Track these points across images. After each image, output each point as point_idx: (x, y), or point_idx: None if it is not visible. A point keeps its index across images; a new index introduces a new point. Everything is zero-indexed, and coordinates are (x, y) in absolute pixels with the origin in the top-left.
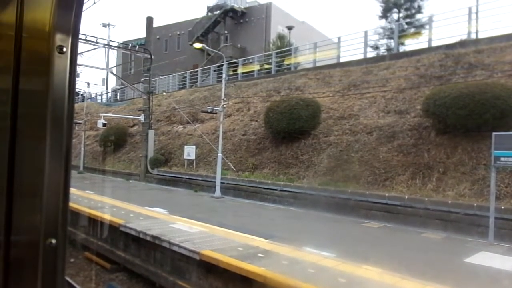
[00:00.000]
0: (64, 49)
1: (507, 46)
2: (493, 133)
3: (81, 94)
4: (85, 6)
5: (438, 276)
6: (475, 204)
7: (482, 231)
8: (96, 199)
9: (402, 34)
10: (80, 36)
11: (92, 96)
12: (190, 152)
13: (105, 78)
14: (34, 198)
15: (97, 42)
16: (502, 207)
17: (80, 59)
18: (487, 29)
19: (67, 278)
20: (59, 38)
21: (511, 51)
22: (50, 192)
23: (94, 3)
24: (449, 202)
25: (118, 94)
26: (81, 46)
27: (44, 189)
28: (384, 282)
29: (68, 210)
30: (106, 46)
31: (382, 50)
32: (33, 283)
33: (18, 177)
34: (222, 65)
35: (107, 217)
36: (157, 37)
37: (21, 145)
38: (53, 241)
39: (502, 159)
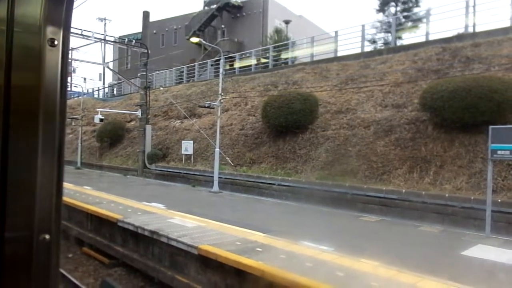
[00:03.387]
0: (56, 42)
1: (504, 39)
2: (490, 127)
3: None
4: (81, 0)
5: (434, 269)
6: (472, 198)
7: (479, 224)
8: (93, 194)
9: (399, 28)
10: (76, 31)
11: (88, 91)
12: (187, 147)
13: (102, 73)
14: (27, 193)
15: (93, 37)
16: (499, 200)
17: (76, 54)
18: (485, 23)
19: (65, 273)
20: (50, 31)
21: (508, 45)
22: (43, 188)
23: None
24: (446, 195)
25: (115, 89)
26: (77, 41)
27: (37, 184)
28: (381, 275)
29: (61, 205)
30: (103, 41)
31: (380, 44)
32: (27, 279)
33: (10, 173)
34: (219, 59)
35: (105, 212)
36: (154, 31)
37: (13, 140)
38: (47, 236)
39: (499, 152)
